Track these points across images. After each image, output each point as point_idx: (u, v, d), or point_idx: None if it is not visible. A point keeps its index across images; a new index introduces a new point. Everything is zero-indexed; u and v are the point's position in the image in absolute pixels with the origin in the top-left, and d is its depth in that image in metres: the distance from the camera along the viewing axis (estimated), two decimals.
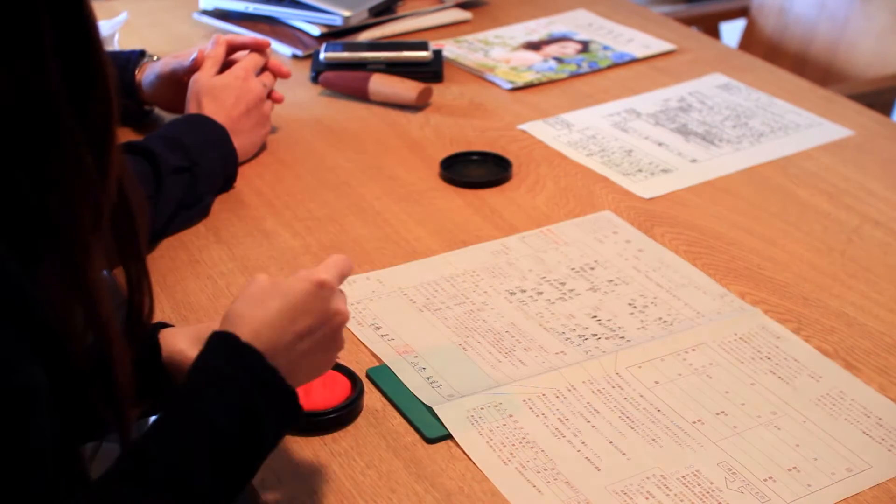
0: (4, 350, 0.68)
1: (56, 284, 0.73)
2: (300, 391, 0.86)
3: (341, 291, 0.91)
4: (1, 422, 0.68)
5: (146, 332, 0.89)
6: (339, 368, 1.04)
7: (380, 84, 1.59)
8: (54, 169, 0.72)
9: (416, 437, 1.00)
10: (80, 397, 0.76)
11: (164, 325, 0.99)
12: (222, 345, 0.84)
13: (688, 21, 2.15)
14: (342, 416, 1.00)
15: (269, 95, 1.47)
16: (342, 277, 0.91)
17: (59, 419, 0.73)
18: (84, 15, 0.72)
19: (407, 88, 1.58)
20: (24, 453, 0.70)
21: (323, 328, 0.88)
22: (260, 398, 0.83)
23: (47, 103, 0.70)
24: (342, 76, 1.62)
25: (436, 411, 1.01)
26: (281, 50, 1.76)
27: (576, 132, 1.54)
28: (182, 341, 0.96)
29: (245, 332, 0.84)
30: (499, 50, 1.78)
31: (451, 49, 1.78)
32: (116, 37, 1.69)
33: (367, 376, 1.07)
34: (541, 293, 1.19)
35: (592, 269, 1.23)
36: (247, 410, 0.82)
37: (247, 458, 0.83)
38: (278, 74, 1.49)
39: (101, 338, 0.76)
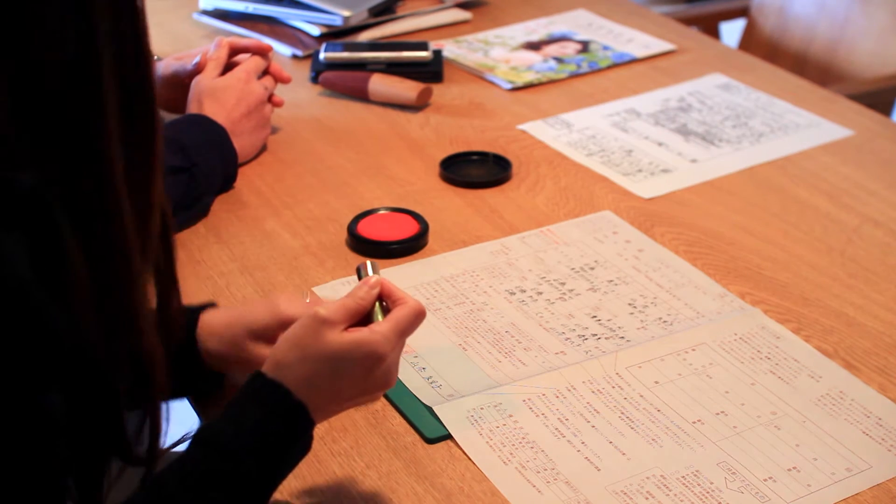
0: (20, 377, 0.67)
1: (98, 316, 0.71)
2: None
3: (399, 345, 0.89)
4: (11, 446, 0.68)
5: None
6: (408, 212, 1.30)
7: (380, 84, 1.59)
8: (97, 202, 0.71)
9: (416, 437, 1.00)
10: (109, 421, 0.76)
11: (212, 305, 1.02)
12: (265, 393, 0.85)
13: (688, 21, 2.15)
14: (406, 247, 1.25)
15: (270, 99, 1.47)
16: (405, 336, 0.89)
17: (75, 446, 0.72)
18: (140, 32, 0.71)
19: (407, 88, 1.58)
20: (31, 480, 0.69)
21: (365, 391, 0.88)
22: (292, 447, 0.85)
23: (99, 134, 0.69)
24: (342, 76, 1.62)
25: (436, 411, 1.01)
26: (281, 50, 1.76)
27: (576, 132, 1.54)
28: (218, 323, 0.99)
29: (289, 384, 0.85)
30: (499, 50, 1.78)
31: (451, 49, 1.78)
32: None
33: None
34: (541, 293, 1.19)
35: (592, 269, 1.23)
36: (276, 458, 0.84)
37: (265, 496, 0.85)
38: (279, 79, 1.49)
39: (145, 369, 0.76)
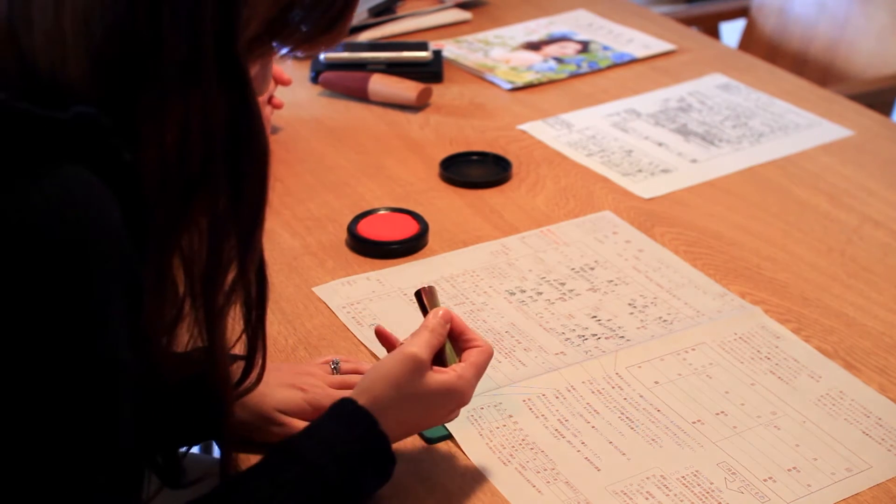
0: (114, 330, 0.69)
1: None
2: None
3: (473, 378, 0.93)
4: (85, 386, 0.68)
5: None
6: (408, 212, 1.29)
7: (380, 84, 1.59)
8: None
9: (416, 437, 1.00)
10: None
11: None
12: (356, 419, 0.87)
13: (688, 21, 2.15)
14: (406, 248, 1.25)
15: (270, 100, 1.47)
16: (480, 378, 0.93)
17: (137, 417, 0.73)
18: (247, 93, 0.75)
19: (407, 88, 1.58)
20: (99, 423, 0.70)
21: (436, 421, 0.93)
22: (368, 471, 0.86)
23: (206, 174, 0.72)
24: (342, 76, 1.62)
25: None
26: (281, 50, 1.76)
27: (576, 132, 1.54)
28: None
29: (378, 417, 0.87)
30: (499, 50, 1.78)
31: (451, 49, 1.78)
32: None
33: None
34: (540, 293, 1.19)
35: (592, 269, 1.23)
36: (352, 479, 0.85)
37: None
38: (279, 81, 1.49)
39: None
